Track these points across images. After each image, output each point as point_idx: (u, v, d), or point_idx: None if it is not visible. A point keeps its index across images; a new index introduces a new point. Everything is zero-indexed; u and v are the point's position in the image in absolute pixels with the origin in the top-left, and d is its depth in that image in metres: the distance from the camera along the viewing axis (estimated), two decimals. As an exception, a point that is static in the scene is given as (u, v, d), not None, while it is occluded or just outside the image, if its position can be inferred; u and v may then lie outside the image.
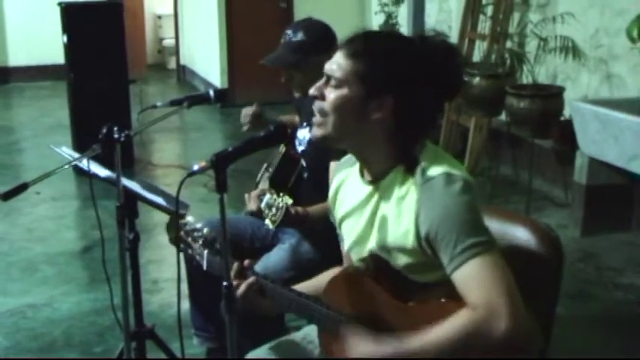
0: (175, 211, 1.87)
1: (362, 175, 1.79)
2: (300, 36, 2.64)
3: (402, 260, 1.69)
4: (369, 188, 1.75)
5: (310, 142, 2.74)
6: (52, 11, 6.25)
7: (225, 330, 1.81)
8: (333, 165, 2.56)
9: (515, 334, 1.50)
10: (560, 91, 4.99)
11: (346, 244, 1.86)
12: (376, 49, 1.67)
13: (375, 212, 1.74)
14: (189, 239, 2.01)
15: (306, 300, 1.82)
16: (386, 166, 1.70)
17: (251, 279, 1.90)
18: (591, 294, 3.74)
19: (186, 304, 2.85)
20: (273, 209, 2.22)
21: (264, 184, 2.79)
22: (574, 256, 4.10)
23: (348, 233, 1.84)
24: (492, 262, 1.55)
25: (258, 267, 2.48)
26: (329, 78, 1.70)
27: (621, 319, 3.52)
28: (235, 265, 1.92)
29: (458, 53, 1.75)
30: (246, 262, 1.94)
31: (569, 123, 4.47)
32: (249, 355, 2.01)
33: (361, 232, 1.78)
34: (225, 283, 1.77)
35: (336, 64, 1.69)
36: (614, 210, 4.43)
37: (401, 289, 1.70)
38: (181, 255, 2.66)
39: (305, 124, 2.80)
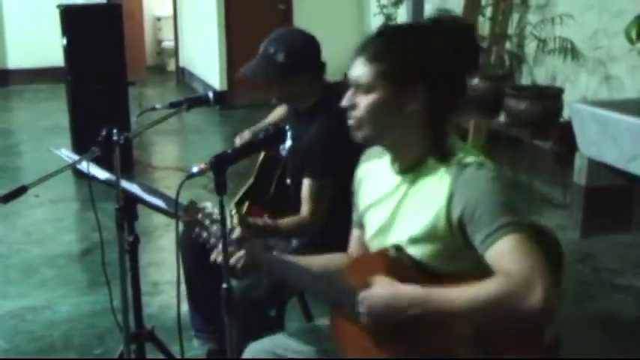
0: (175, 213, 1.88)
1: (393, 164, 1.82)
2: (280, 57, 2.56)
3: (426, 249, 1.71)
4: (398, 179, 1.79)
5: (290, 151, 2.74)
6: (51, 14, 6.25)
7: (224, 331, 1.81)
8: (307, 182, 2.56)
9: (546, 308, 1.53)
10: (559, 92, 4.99)
11: (368, 233, 1.89)
12: (393, 45, 1.71)
13: (400, 202, 1.77)
14: (207, 222, 2.02)
15: (326, 280, 1.83)
16: (420, 155, 1.75)
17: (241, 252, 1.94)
18: (590, 295, 3.74)
19: (185, 307, 2.85)
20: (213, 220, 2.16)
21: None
22: (573, 257, 4.09)
23: (372, 222, 1.87)
24: (527, 240, 1.59)
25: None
26: (356, 86, 1.73)
27: (620, 321, 3.52)
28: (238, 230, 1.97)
29: (471, 26, 1.81)
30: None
31: (568, 124, 4.47)
32: (249, 349, 2.02)
33: (385, 221, 1.81)
34: (224, 285, 1.77)
35: (359, 71, 1.72)
36: (613, 211, 4.43)
37: (421, 276, 1.71)
38: (180, 257, 2.65)
39: (287, 126, 2.80)
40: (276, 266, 1.94)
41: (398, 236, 1.77)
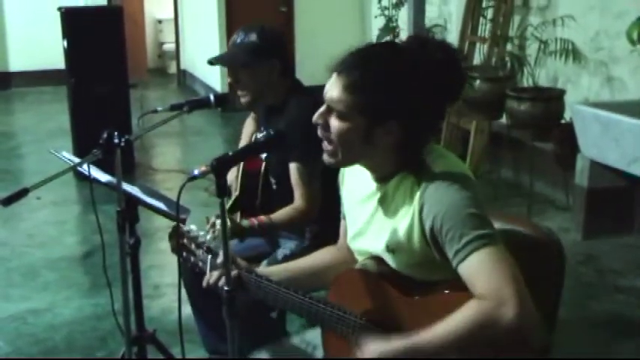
0: (176, 215, 1.87)
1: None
2: (253, 37, 2.61)
3: (406, 258, 1.71)
4: (376, 185, 1.78)
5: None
6: (53, 16, 6.26)
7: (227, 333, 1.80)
8: (294, 167, 2.53)
9: (522, 322, 1.51)
10: (560, 93, 4.99)
11: (348, 234, 1.90)
12: (374, 79, 1.64)
13: (375, 211, 1.77)
14: (193, 246, 2.01)
15: (309, 300, 1.81)
16: (392, 171, 1.73)
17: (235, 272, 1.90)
18: (593, 296, 3.74)
19: (187, 309, 2.84)
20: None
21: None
22: (575, 259, 4.09)
23: (351, 223, 1.88)
24: (497, 253, 1.57)
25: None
26: (330, 107, 1.69)
27: (623, 322, 3.51)
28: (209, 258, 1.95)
29: (458, 54, 1.74)
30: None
31: (569, 126, 4.47)
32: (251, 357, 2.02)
33: (362, 226, 1.82)
34: (226, 289, 1.77)
35: (335, 95, 1.67)
36: (615, 213, 4.43)
37: (406, 286, 1.71)
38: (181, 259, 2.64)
39: (262, 127, 2.78)
40: (261, 289, 1.91)
41: (375, 244, 1.77)
